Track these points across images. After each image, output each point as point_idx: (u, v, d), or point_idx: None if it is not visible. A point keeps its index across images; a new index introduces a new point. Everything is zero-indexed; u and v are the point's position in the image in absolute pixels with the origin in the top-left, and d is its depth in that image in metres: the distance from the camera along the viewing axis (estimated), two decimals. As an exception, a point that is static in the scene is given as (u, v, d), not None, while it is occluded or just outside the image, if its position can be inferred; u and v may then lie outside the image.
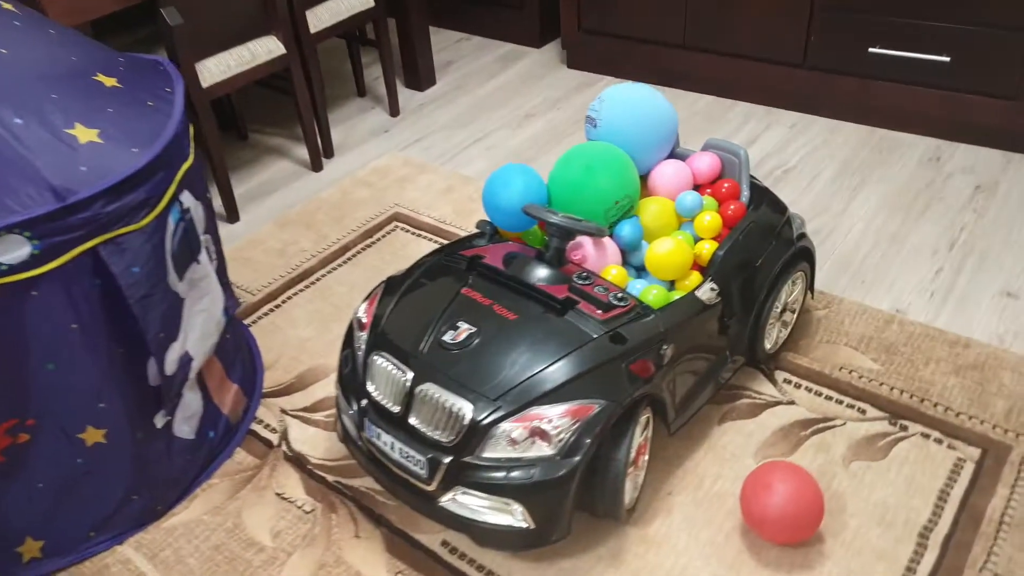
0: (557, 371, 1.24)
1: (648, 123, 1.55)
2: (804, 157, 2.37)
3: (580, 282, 1.36)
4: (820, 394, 1.59)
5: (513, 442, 1.20)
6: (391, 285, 1.46)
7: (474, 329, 1.30)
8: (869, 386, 1.60)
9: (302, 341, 1.84)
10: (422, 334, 1.32)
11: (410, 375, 1.27)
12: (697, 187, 1.63)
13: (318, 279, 2.04)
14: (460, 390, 1.23)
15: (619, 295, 1.34)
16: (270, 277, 2.06)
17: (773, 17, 2.45)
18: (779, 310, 1.60)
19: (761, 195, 1.58)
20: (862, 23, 2.30)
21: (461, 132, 2.70)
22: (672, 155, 1.66)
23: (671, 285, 1.48)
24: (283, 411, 1.66)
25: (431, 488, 1.24)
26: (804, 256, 1.61)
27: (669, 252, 1.42)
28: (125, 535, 1.41)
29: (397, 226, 2.22)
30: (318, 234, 2.21)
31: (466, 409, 1.21)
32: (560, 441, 1.19)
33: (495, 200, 1.49)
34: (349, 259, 2.10)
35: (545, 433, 1.19)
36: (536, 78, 2.99)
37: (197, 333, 1.43)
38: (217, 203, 2.35)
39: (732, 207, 1.53)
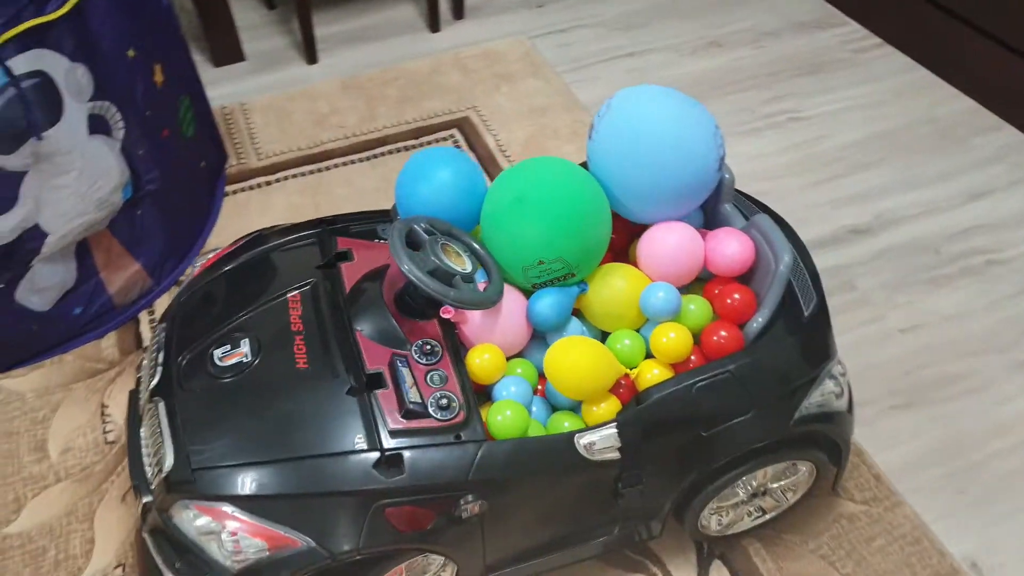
0: (290, 473, 0.88)
1: (659, 158, 0.99)
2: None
3: (415, 357, 0.96)
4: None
5: (197, 529, 0.90)
6: (255, 240, 1.15)
7: (251, 359, 0.98)
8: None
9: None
10: (204, 331, 1.02)
11: (157, 378, 1.00)
12: (704, 279, 1.08)
13: (329, 167, 1.76)
14: (178, 432, 0.93)
15: (446, 400, 0.93)
16: (287, 145, 1.82)
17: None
18: (746, 495, 1.08)
19: (791, 329, 0.99)
20: None
21: (618, 36, 2.14)
22: (715, 215, 1.10)
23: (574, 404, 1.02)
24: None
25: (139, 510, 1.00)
26: (818, 446, 1.03)
27: (572, 355, 0.94)
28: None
29: (454, 136, 1.84)
30: (371, 111, 1.90)
31: (167, 461, 0.92)
32: (236, 560, 0.88)
33: (406, 193, 1.08)
34: (378, 156, 1.79)
35: (221, 540, 0.88)
36: (762, -6, 2.28)
37: (55, 209, 1.24)
38: (299, 37, 2.09)
39: (722, 334, 0.98)
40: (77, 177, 1.25)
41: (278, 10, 2.26)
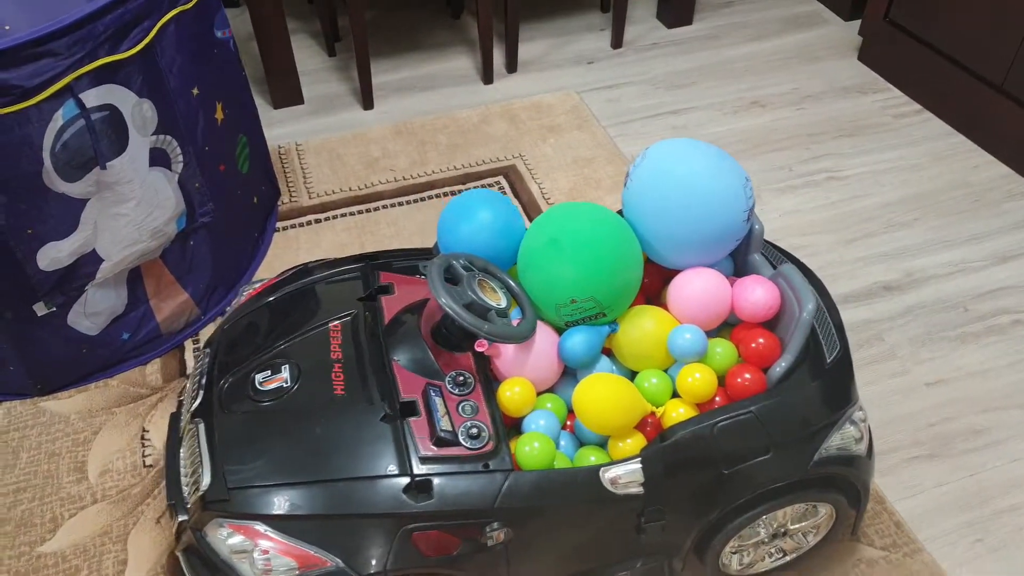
0: (322, 494, 0.90)
1: (689, 207, 1.01)
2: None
3: (449, 387, 0.97)
4: None
5: (230, 547, 0.91)
6: (300, 272, 1.19)
7: (290, 385, 0.99)
8: None
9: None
10: (247, 357, 1.05)
11: (199, 401, 1.02)
12: (731, 324, 1.08)
13: (377, 208, 1.81)
14: (216, 451, 0.95)
15: (476, 429, 0.93)
16: (338, 185, 1.87)
17: None
18: (767, 535, 1.05)
19: (816, 372, 0.99)
20: None
21: (664, 94, 2.18)
22: (745, 264, 1.10)
23: (601, 439, 1.01)
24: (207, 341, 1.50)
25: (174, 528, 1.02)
26: (837, 488, 1.02)
27: (599, 392, 0.95)
28: (9, 397, 1.39)
29: (499, 183, 1.87)
30: (421, 156, 1.95)
31: (204, 480, 0.93)
32: (264, 578, 0.88)
33: (447, 231, 1.11)
34: (425, 199, 1.83)
35: (253, 559, 0.89)
36: (810, 57, 2.30)
37: (112, 237, 1.30)
38: (357, 84, 2.17)
39: (746, 376, 0.98)
40: (135, 207, 1.30)
41: (338, 57, 2.36)
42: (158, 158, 1.32)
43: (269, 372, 1.01)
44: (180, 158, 1.36)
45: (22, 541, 1.20)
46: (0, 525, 1.22)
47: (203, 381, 1.04)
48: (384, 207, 1.81)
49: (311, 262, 1.22)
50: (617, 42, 2.38)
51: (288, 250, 1.70)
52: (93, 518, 1.23)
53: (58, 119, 1.13)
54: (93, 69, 1.15)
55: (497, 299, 1.01)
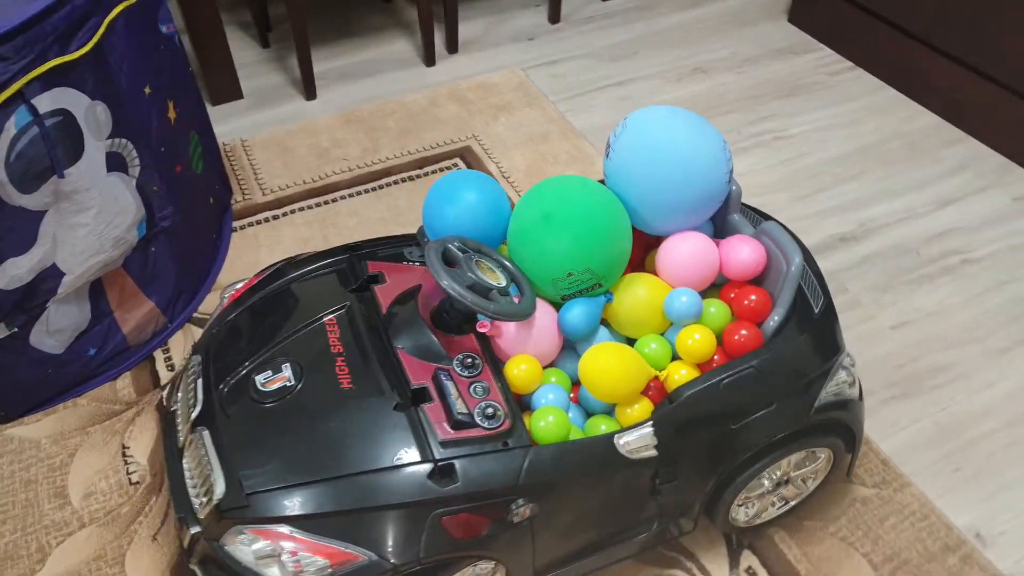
0: (345, 489, 0.88)
1: (674, 174, 1.02)
2: (1005, 250, 1.64)
3: (457, 370, 0.97)
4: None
5: (255, 553, 0.89)
6: (281, 270, 1.16)
7: (294, 383, 0.97)
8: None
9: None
10: (242, 359, 1.02)
11: (199, 408, 0.99)
12: (720, 284, 1.11)
13: (336, 199, 1.77)
14: (227, 458, 0.92)
15: (491, 409, 0.93)
16: (291, 179, 1.82)
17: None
18: (771, 484, 1.09)
19: (805, 325, 1.03)
20: None
21: (607, 66, 2.20)
22: (725, 225, 1.13)
23: (609, 408, 1.03)
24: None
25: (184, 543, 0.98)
26: (835, 432, 1.07)
27: (604, 362, 0.95)
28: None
29: (457, 165, 1.86)
30: (373, 143, 1.92)
31: (218, 488, 0.90)
32: (297, 582, 0.87)
33: (434, 215, 1.09)
34: (383, 187, 1.80)
35: (282, 563, 0.87)
36: (741, 23, 2.35)
37: (74, 248, 1.23)
38: (296, 74, 2.12)
39: (743, 333, 1.01)
40: (95, 215, 1.24)
41: (272, 48, 2.29)
42: (115, 163, 1.26)
43: (269, 372, 0.99)
44: (137, 161, 1.30)
45: (11, 575, 1.14)
46: (-15, 561, 1.16)
47: (200, 388, 1.00)
48: (342, 198, 1.77)
49: (292, 257, 1.19)
50: (554, 17, 2.38)
51: (248, 249, 1.65)
52: (83, 543, 1.17)
53: (10, 128, 1.07)
54: (44, 72, 1.09)
55: (496, 278, 1.00)
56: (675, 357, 1.05)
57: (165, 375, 1.41)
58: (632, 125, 1.06)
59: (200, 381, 1.02)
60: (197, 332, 1.48)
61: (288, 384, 0.97)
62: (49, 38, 1.09)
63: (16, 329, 1.24)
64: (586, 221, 0.99)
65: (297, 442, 0.93)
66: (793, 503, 1.15)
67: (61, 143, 1.15)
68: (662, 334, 1.07)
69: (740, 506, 1.10)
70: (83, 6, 1.15)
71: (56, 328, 1.30)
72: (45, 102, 1.11)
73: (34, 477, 1.26)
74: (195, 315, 1.51)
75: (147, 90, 1.32)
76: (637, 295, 1.04)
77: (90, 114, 1.18)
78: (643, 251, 1.18)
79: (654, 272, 1.09)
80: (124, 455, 1.29)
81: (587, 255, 0.99)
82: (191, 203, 1.49)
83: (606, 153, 1.09)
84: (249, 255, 1.63)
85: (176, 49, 1.46)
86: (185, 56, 1.51)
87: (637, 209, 1.06)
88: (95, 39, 1.16)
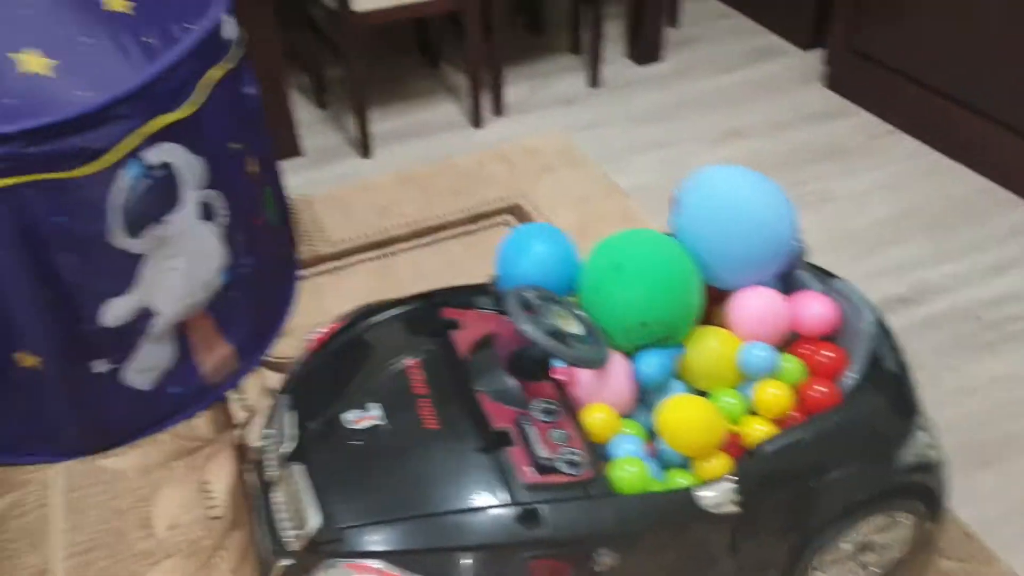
0: (433, 527, 0.94)
1: (744, 228, 1.11)
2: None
3: (536, 415, 1.03)
4: None
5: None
6: (364, 313, 1.24)
7: (383, 422, 1.04)
8: None
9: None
10: (330, 399, 1.09)
11: (291, 445, 1.06)
12: (791, 340, 1.16)
13: (395, 252, 1.87)
14: (322, 492, 0.99)
15: (574, 457, 0.99)
16: (353, 232, 1.93)
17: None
18: (851, 549, 1.11)
19: (882, 383, 1.07)
20: None
21: (648, 129, 2.31)
22: (794, 281, 1.20)
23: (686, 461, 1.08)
24: (265, 390, 1.54)
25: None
26: (917, 496, 1.09)
27: (684, 414, 1.02)
28: (58, 457, 1.40)
29: (508, 221, 1.96)
30: (427, 201, 2.02)
31: (313, 521, 0.97)
32: (391, 612, 0.92)
33: (508, 265, 1.18)
34: (440, 241, 1.90)
35: (374, 595, 0.93)
36: (778, 89, 2.46)
37: (167, 290, 1.33)
38: (354, 133, 2.25)
39: (821, 389, 1.06)
40: (187, 260, 1.34)
41: (329, 110, 2.42)
42: (206, 212, 1.37)
43: (358, 412, 1.06)
44: (224, 212, 1.41)
45: (101, 599, 1.21)
46: (77, 586, 1.23)
47: (291, 425, 1.08)
48: (402, 251, 1.87)
49: (370, 305, 1.27)
50: (594, 81, 2.51)
51: (315, 298, 1.74)
52: (168, 572, 1.24)
53: (123, 179, 1.18)
54: (154, 130, 1.20)
55: (573, 326, 1.07)
56: (750, 412, 1.09)
57: (238, 415, 1.49)
58: (702, 183, 1.15)
59: (291, 419, 1.09)
60: (267, 375, 1.57)
61: (375, 423, 1.04)
62: (160, 98, 1.21)
63: (113, 366, 1.33)
64: (658, 272, 1.07)
65: (386, 479, 0.99)
66: (874, 571, 1.14)
67: (164, 193, 1.26)
68: (734, 388, 1.12)
69: (818, 571, 1.09)
70: (189, 70, 1.27)
71: (146, 366, 1.39)
72: (153, 156, 1.22)
73: (122, 507, 1.33)
74: (272, 357, 1.59)
75: (234, 146, 1.43)
76: (711, 347, 1.11)
77: (189, 167, 1.29)
78: (713, 305, 1.22)
79: (722, 326, 1.16)
80: (204, 490, 1.36)
81: (659, 305, 1.07)
82: (267, 252, 1.59)
83: (673, 209, 1.18)
84: (315, 303, 1.72)
85: (257, 109, 1.58)
86: (263, 115, 1.63)
87: (707, 263, 1.13)
88: (199, 99, 1.28)
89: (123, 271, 1.27)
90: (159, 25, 1.26)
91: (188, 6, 1.30)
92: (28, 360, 1.28)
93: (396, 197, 2.04)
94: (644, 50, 2.59)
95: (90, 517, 1.32)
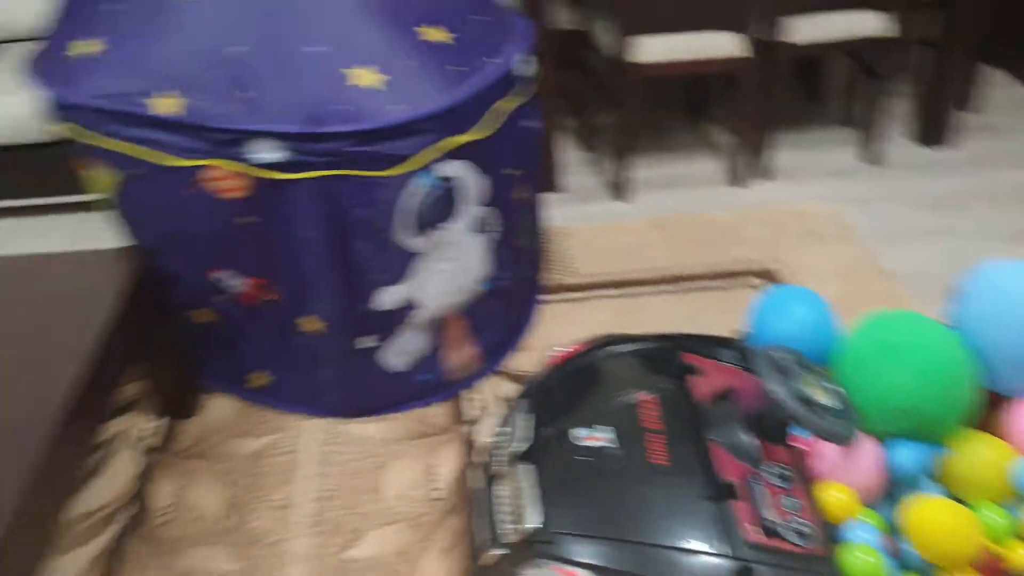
0: (644, 556, 0.96)
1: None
2: None
3: (769, 477, 1.01)
4: None
5: (551, 588, 0.99)
6: (607, 342, 1.29)
7: (614, 446, 1.08)
8: None
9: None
10: (564, 412, 1.15)
11: (524, 445, 1.13)
12: None
13: (637, 294, 1.91)
14: (545, 495, 1.04)
15: (803, 528, 0.96)
16: (598, 269, 2.00)
17: None
18: None
19: None
20: None
21: (929, 213, 2.16)
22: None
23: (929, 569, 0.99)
24: (497, 396, 1.64)
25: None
26: None
27: (940, 519, 0.94)
28: (320, 414, 1.59)
29: (758, 285, 1.92)
30: (676, 250, 2.05)
31: (533, 519, 1.02)
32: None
33: (764, 323, 1.17)
34: (682, 291, 1.91)
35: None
36: (1089, 190, 2.20)
37: (434, 288, 1.48)
38: (613, 177, 2.33)
39: None
40: (456, 265, 1.48)
41: (592, 151, 2.54)
42: (479, 226, 1.50)
43: (588, 430, 1.11)
44: (494, 229, 1.53)
45: (331, 542, 1.36)
46: (317, 524, 1.39)
47: (526, 428, 1.15)
48: (644, 294, 1.91)
49: (614, 335, 1.32)
50: (872, 158, 2.39)
51: (553, 322, 1.83)
52: (391, 536, 1.36)
53: (415, 185, 1.33)
54: (450, 147, 1.35)
55: (823, 397, 1.04)
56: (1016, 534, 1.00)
57: (470, 412, 1.60)
58: (990, 276, 1.07)
59: (525, 422, 1.16)
60: (500, 382, 1.67)
61: (604, 445, 1.08)
62: (460, 120, 1.36)
63: (375, 345, 1.50)
64: (934, 360, 1.01)
65: (607, 498, 1.02)
66: None
67: (447, 203, 1.40)
68: (1001, 504, 1.02)
69: None
70: (486, 99, 1.41)
71: (403, 350, 1.54)
72: (443, 169, 1.37)
73: (361, 469, 1.49)
74: (504, 369, 1.70)
75: (510, 172, 1.56)
76: (981, 455, 1.02)
77: (472, 184, 1.42)
78: (991, 409, 1.13)
79: (997, 435, 1.06)
80: (432, 473, 1.48)
81: (929, 395, 1.00)
82: (521, 272, 1.70)
83: (954, 301, 1.10)
84: (552, 327, 1.81)
85: (535, 142, 1.71)
86: (539, 149, 1.76)
87: (990, 362, 1.05)
88: (493, 125, 1.41)
89: (401, 265, 1.43)
90: (470, 57, 1.41)
91: (495, 42, 1.46)
92: (313, 325, 1.48)
93: (646, 242, 2.09)
94: (931, 132, 2.43)
95: (333, 470, 1.49)
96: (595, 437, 1.09)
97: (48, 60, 1.42)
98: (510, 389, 1.65)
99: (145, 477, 1.50)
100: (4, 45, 2.27)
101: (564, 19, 2.40)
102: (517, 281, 1.68)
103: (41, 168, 2.08)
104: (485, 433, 1.53)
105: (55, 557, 1.35)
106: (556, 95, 2.20)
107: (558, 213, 2.25)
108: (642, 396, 1.15)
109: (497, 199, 1.52)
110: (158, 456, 1.54)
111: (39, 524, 1.07)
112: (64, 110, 1.38)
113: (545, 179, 2.32)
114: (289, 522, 1.40)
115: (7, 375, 1.18)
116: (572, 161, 2.50)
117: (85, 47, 1.38)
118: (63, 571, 1.33)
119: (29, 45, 1.68)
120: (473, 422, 1.58)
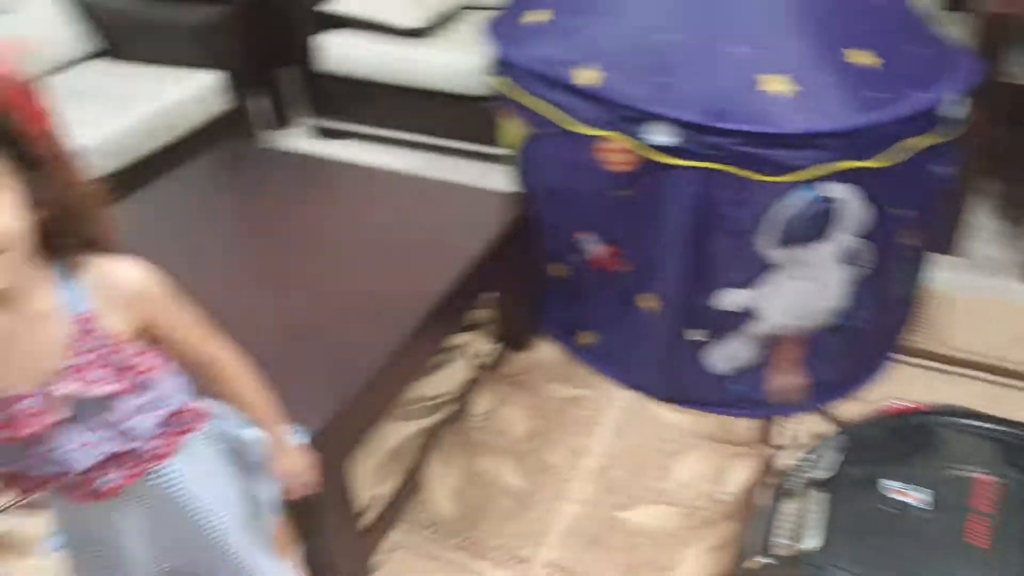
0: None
1: None
2: None
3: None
4: None
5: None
6: (951, 411, 1.18)
7: (927, 509, 1.00)
8: None
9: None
10: (879, 457, 1.08)
11: (825, 474, 1.09)
12: None
13: (1009, 386, 1.67)
14: (831, 524, 1.01)
15: None
16: (974, 347, 1.78)
17: None
18: None
19: None
20: None
21: None
22: None
23: None
24: (809, 434, 1.57)
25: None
26: None
27: None
28: (636, 388, 1.68)
29: None
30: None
31: (812, 542, 1.00)
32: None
33: None
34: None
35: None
36: None
37: (778, 303, 1.46)
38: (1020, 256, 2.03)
39: None
40: (810, 288, 1.45)
41: (1012, 226, 2.24)
42: (848, 256, 1.45)
43: (901, 484, 1.04)
44: (864, 264, 1.46)
45: (608, 498, 1.45)
46: (602, 478, 1.49)
47: (835, 460, 1.11)
48: (1016, 388, 1.66)
49: (962, 407, 1.20)
50: None
51: (902, 385, 1.68)
52: (664, 515, 1.41)
53: (794, 197, 1.33)
54: (841, 168, 1.32)
55: None
56: None
57: (777, 438, 1.56)
58: None
59: (834, 455, 1.12)
60: (816, 420, 1.60)
61: (916, 505, 1.00)
62: (861, 145, 1.32)
63: (706, 340, 1.54)
64: None
65: (897, 552, 0.97)
66: None
67: (822, 224, 1.37)
68: None
69: None
70: (901, 130, 1.35)
71: (730, 355, 1.56)
72: (828, 189, 1.34)
73: (653, 447, 1.56)
74: (826, 409, 1.62)
75: (898, 211, 1.46)
76: None
77: (852, 211, 1.37)
78: None
79: None
80: (721, 476, 1.49)
81: None
82: (882, 320, 1.60)
83: None
84: (898, 389, 1.67)
85: (941, 189, 1.57)
86: (942, 198, 1.62)
87: None
88: (892, 158, 1.35)
89: (753, 271, 1.44)
90: (894, 85, 1.36)
91: (928, 75, 1.37)
92: (650, 303, 1.56)
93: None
94: None
95: (630, 439, 1.57)
96: (907, 494, 1.02)
97: (503, 24, 1.68)
98: (826, 430, 1.57)
99: (472, 387, 1.73)
100: (469, 11, 2.70)
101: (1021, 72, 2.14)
102: (874, 327, 1.59)
103: (473, 118, 2.46)
104: (786, 460, 1.49)
105: (392, 422, 1.63)
106: (985, 150, 1.99)
107: (948, 276, 2.04)
108: (981, 475, 1.04)
109: (877, 235, 1.45)
110: (487, 374, 1.76)
111: (396, 381, 1.32)
112: (505, 67, 1.62)
113: (943, 236, 2.11)
114: (578, 466, 1.52)
115: (400, 267, 1.45)
116: (982, 227, 2.24)
117: (536, 16, 1.60)
118: (394, 434, 1.61)
119: (488, 13, 1.98)
120: (779, 447, 1.54)
